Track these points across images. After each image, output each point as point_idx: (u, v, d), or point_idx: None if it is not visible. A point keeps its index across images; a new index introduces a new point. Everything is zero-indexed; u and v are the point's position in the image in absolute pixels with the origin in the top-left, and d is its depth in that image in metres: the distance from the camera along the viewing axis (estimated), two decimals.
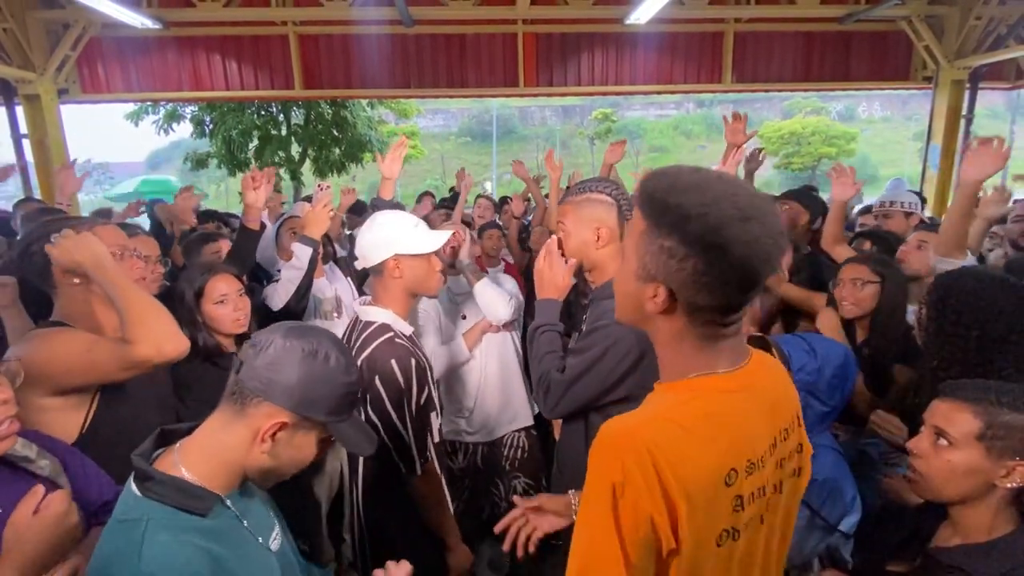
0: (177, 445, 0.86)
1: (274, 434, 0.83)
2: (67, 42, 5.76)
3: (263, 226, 2.25)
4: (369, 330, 1.48)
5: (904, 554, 1.05)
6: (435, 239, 1.55)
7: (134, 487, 0.81)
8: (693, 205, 0.71)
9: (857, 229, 3.14)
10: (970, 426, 0.99)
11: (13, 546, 0.86)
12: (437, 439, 1.57)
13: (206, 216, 3.59)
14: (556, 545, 2.56)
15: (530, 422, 2.27)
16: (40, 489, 0.91)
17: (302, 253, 2.05)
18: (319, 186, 2.53)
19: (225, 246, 2.39)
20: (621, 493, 0.69)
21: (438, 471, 1.53)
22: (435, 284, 1.60)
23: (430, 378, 1.54)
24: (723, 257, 0.70)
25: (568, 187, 3.13)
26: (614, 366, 1.31)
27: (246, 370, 0.83)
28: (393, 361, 1.40)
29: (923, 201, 4.01)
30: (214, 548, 0.78)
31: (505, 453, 2.22)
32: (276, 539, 0.94)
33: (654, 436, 0.71)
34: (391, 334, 1.46)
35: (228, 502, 0.85)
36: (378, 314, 1.53)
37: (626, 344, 1.30)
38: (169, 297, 1.82)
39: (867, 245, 2.31)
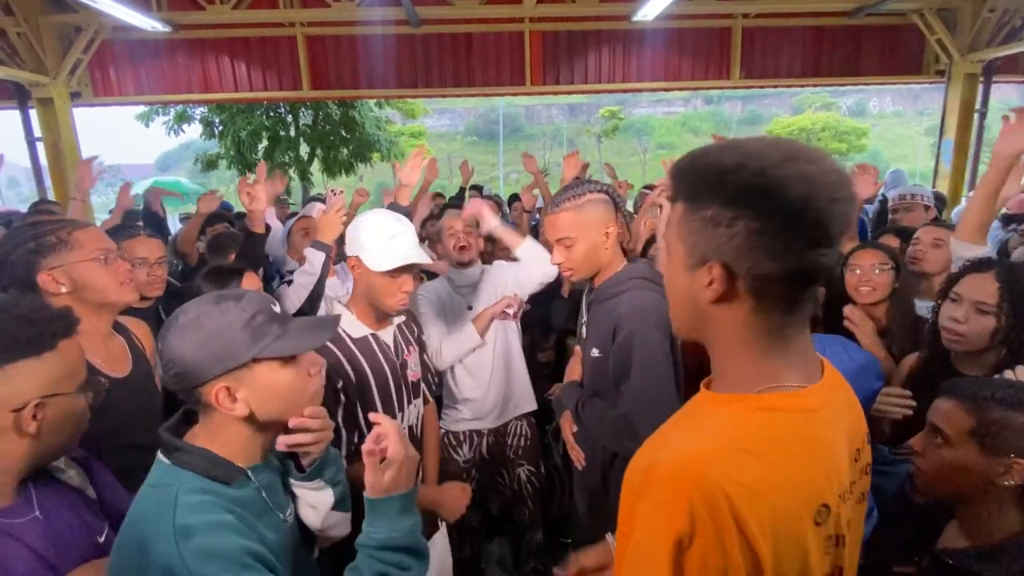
0: (195, 428, 0.91)
1: (229, 397, 0.85)
2: (79, 46, 5.83)
3: (269, 228, 2.27)
4: None
5: (910, 555, 1.04)
6: (399, 256, 1.45)
7: (163, 458, 0.86)
8: (728, 160, 0.60)
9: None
10: (964, 423, 0.99)
11: None
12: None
13: (215, 219, 3.62)
14: (565, 543, 2.58)
15: (534, 406, 2.28)
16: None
17: (315, 259, 2.05)
18: (332, 191, 2.54)
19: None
20: (688, 545, 0.56)
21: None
22: (391, 303, 1.50)
23: (377, 390, 1.53)
24: (778, 202, 0.57)
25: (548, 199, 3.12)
26: (665, 358, 1.34)
27: (164, 380, 0.87)
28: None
29: (942, 202, 3.95)
30: (239, 513, 0.83)
31: (509, 442, 2.23)
32: (291, 516, 0.99)
33: (729, 471, 0.57)
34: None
35: (251, 475, 0.90)
36: (337, 311, 1.56)
37: (656, 335, 1.34)
38: (180, 297, 1.84)
39: (895, 242, 2.27)
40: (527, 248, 2.06)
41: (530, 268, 2.08)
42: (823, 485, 0.62)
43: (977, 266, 1.40)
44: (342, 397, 1.47)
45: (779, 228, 0.58)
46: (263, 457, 0.95)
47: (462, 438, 2.20)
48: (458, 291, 2.17)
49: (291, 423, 0.92)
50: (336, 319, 1.02)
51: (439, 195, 5.34)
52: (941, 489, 1.03)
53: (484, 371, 2.14)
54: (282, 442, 0.93)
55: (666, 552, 0.56)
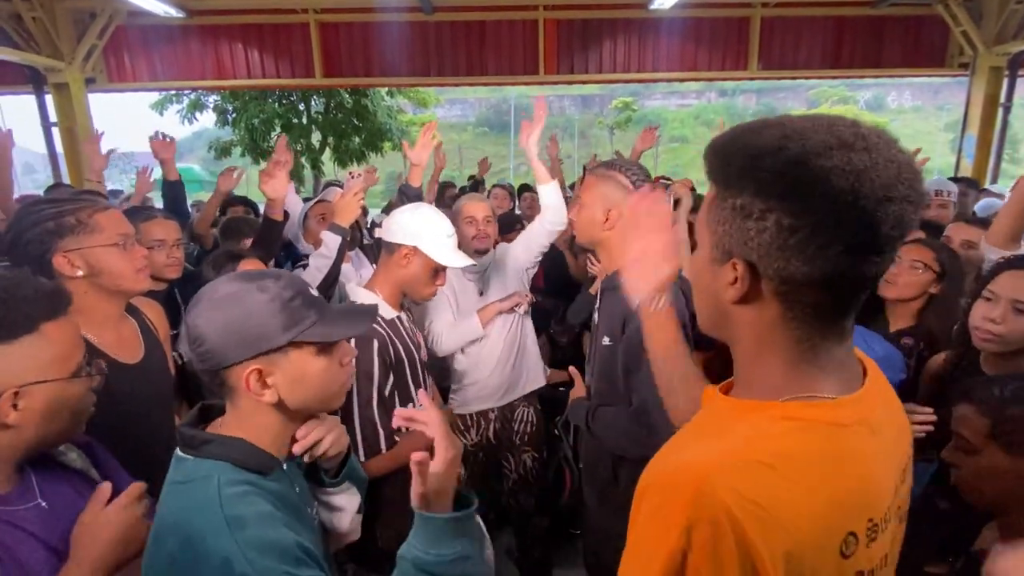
0: (218, 421, 0.86)
1: (260, 381, 0.80)
2: (94, 31, 5.85)
3: (287, 216, 2.25)
4: None
5: (944, 555, 1.01)
6: (456, 258, 1.59)
7: (184, 455, 0.81)
8: (768, 141, 0.52)
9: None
10: (982, 427, 0.95)
11: (87, 545, 0.83)
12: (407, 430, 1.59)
13: (235, 201, 3.64)
14: (574, 535, 2.57)
15: (542, 382, 2.28)
16: (107, 486, 0.89)
17: (331, 242, 2.03)
18: (351, 174, 2.54)
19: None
20: (680, 564, 0.49)
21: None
22: (428, 293, 1.64)
23: (409, 370, 1.57)
24: (817, 196, 0.49)
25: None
26: None
27: (192, 362, 0.82)
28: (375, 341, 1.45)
29: (972, 187, 3.87)
30: (276, 503, 0.79)
31: (516, 427, 2.23)
32: (316, 514, 0.96)
33: (737, 484, 0.49)
34: None
35: (285, 467, 0.87)
36: (365, 296, 1.58)
37: None
38: (193, 282, 1.83)
39: (919, 233, 2.20)
40: (550, 190, 2.06)
41: (541, 219, 2.09)
42: (854, 510, 0.54)
43: (1014, 263, 1.34)
44: (392, 376, 1.52)
45: (816, 227, 0.50)
46: (289, 450, 0.90)
47: (469, 422, 2.20)
48: (468, 276, 2.15)
49: (298, 434, 0.88)
50: (375, 308, 0.97)
51: (450, 184, 5.29)
52: (987, 497, 0.97)
53: (491, 355, 2.13)
54: (298, 447, 0.88)
55: (657, 567, 0.50)
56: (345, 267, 2.31)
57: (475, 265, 2.09)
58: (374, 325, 1.47)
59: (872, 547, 0.56)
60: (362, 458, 1.43)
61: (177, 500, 0.77)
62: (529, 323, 2.25)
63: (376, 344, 1.48)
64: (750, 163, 0.53)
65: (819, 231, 0.50)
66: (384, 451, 1.48)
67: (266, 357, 0.79)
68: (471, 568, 0.80)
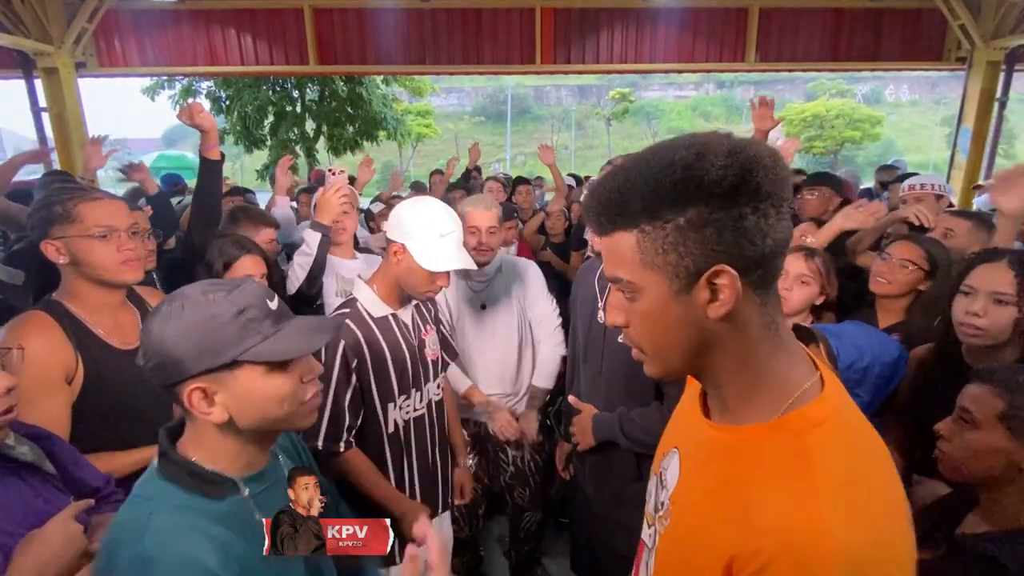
0: (187, 432, 0.83)
1: (206, 400, 0.76)
2: (84, 14, 5.75)
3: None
4: (343, 305, 1.53)
5: (929, 542, 1.03)
6: (445, 261, 1.43)
7: (155, 462, 0.80)
8: (683, 156, 0.54)
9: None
10: (993, 407, 0.98)
11: (24, 553, 0.83)
12: (391, 429, 1.54)
13: (233, 192, 3.63)
14: (563, 523, 2.59)
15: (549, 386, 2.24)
16: (83, 503, 0.89)
17: (312, 239, 2.00)
18: (331, 170, 2.38)
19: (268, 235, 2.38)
20: None
21: (361, 457, 1.49)
22: (424, 292, 1.49)
23: (395, 369, 1.50)
24: (750, 179, 0.53)
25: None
26: None
27: (145, 372, 0.78)
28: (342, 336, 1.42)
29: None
30: (223, 533, 0.75)
31: (517, 420, 2.22)
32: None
33: (858, 529, 0.50)
34: (350, 310, 1.49)
35: (246, 489, 0.81)
36: (359, 289, 1.55)
37: None
38: (181, 268, 1.81)
39: (905, 228, 2.21)
40: (549, 360, 2.12)
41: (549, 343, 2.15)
42: (903, 506, 0.56)
43: (986, 256, 1.35)
44: (354, 379, 1.45)
45: (759, 204, 0.54)
46: (266, 463, 0.86)
47: (470, 425, 2.19)
48: (472, 285, 2.09)
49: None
50: (339, 322, 0.94)
51: (438, 172, 5.21)
52: (967, 473, 1.02)
53: (492, 367, 2.11)
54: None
55: None
56: (355, 264, 2.27)
57: (482, 276, 2.04)
58: (349, 325, 1.44)
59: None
60: (320, 445, 1.41)
61: (121, 515, 0.76)
62: (529, 338, 2.19)
63: (343, 346, 1.41)
64: (682, 178, 0.53)
65: (765, 205, 0.54)
66: (342, 449, 1.44)
67: (212, 375, 0.75)
68: None
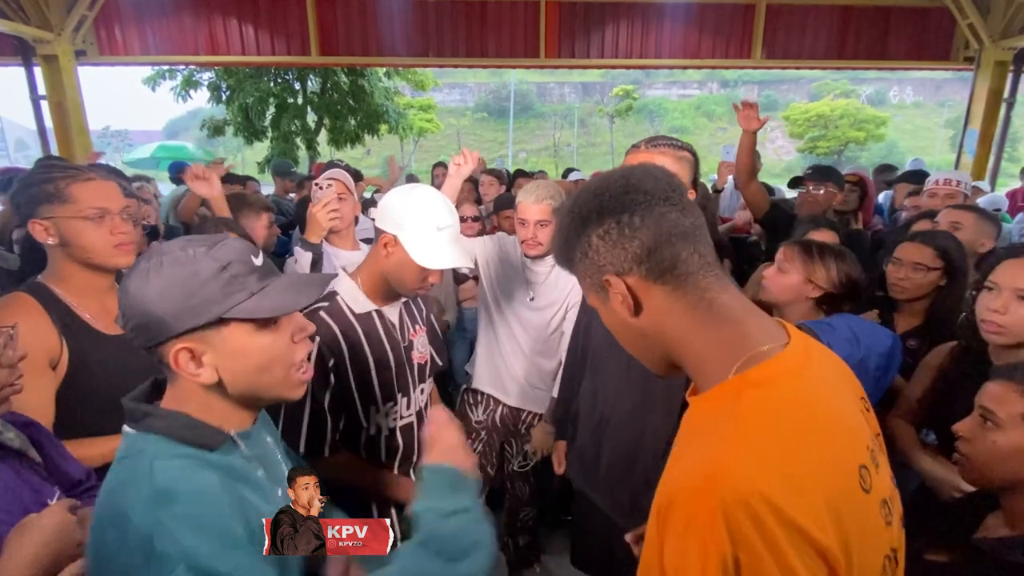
0: (167, 395, 0.79)
1: (194, 360, 0.73)
2: (84, 1, 5.70)
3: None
4: (321, 299, 1.34)
5: (944, 544, 0.99)
6: (441, 258, 1.30)
7: (129, 429, 0.75)
8: (597, 184, 0.68)
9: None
10: (1017, 405, 0.95)
11: (15, 543, 0.80)
12: (375, 434, 1.42)
13: (231, 181, 3.61)
14: (564, 520, 2.56)
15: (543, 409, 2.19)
16: (71, 502, 0.86)
17: (303, 259, 1.92)
18: (317, 184, 2.22)
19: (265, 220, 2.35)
20: (734, 569, 0.49)
21: (343, 453, 1.38)
22: (413, 288, 1.36)
23: (376, 371, 1.37)
24: (635, 192, 0.65)
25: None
26: None
27: (126, 334, 0.74)
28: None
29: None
30: (223, 476, 0.72)
31: (523, 418, 2.19)
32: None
33: (750, 465, 0.51)
34: (328, 304, 1.33)
35: (242, 444, 0.78)
36: (340, 281, 1.38)
37: None
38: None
39: (927, 225, 2.16)
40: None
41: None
42: (850, 444, 0.57)
43: (1013, 251, 1.32)
44: (331, 379, 1.32)
45: (637, 209, 0.64)
46: (253, 422, 0.82)
47: (479, 399, 2.16)
48: (528, 274, 2.00)
49: None
50: (328, 277, 0.89)
51: (441, 165, 5.15)
52: (991, 477, 0.98)
53: (506, 355, 2.08)
54: None
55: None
56: (356, 256, 2.21)
57: (536, 276, 1.95)
58: (326, 319, 1.30)
59: (879, 474, 0.59)
60: (302, 450, 1.30)
61: (113, 477, 0.72)
62: (561, 349, 2.05)
63: (317, 342, 1.26)
64: (571, 221, 0.68)
65: (612, 220, 0.64)
66: (326, 454, 1.32)
67: (197, 333, 0.72)
68: (470, 522, 0.79)
